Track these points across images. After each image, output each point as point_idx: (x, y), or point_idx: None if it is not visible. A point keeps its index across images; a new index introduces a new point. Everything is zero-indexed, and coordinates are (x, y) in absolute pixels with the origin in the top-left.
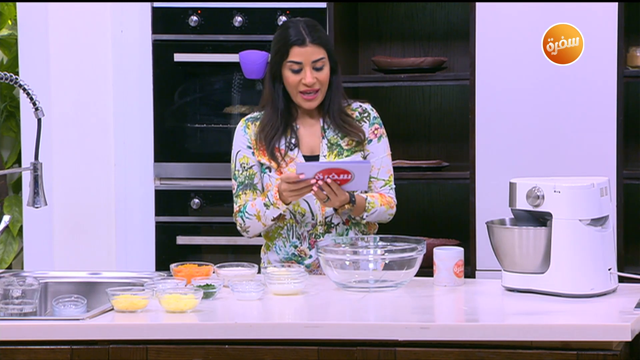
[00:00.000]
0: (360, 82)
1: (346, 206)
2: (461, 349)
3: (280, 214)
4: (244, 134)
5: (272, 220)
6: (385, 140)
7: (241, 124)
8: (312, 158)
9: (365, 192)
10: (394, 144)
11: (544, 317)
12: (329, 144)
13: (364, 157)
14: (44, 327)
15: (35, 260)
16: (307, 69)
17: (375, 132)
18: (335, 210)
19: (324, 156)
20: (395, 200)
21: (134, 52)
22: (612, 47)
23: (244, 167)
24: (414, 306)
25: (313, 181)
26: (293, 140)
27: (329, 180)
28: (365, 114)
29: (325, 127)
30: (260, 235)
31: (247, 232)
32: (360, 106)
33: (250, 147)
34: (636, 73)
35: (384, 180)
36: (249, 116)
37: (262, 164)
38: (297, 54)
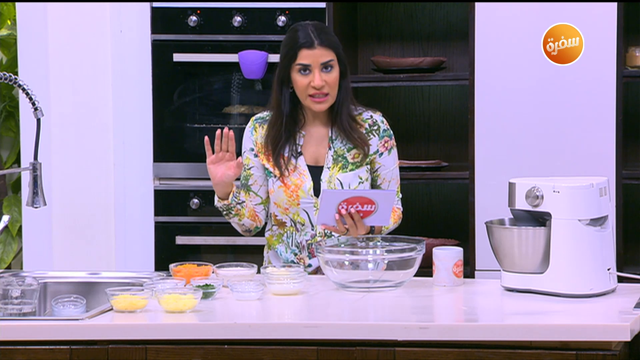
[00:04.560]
0: (359, 82)
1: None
2: (460, 349)
3: (227, 205)
4: (251, 136)
5: (227, 217)
6: (395, 152)
7: (250, 124)
8: (315, 168)
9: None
10: None
11: (543, 317)
12: (334, 156)
13: (373, 170)
14: (43, 327)
15: (35, 260)
16: (316, 71)
17: (386, 144)
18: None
19: (328, 168)
20: (402, 208)
21: (133, 52)
22: (611, 47)
23: (244, 168)
24: (413, 306)
25: (343, 211)
26: (297, 149)
27: (352, 211)
28: (375, 127)
29: (333, 137)
30: (263, 235)
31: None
32: (371, 117)
33: (253, 150)
34: (635, 73)
35: (393, 191)
36: (257, 116)
37: (266, 169)
38: (305, 56)
